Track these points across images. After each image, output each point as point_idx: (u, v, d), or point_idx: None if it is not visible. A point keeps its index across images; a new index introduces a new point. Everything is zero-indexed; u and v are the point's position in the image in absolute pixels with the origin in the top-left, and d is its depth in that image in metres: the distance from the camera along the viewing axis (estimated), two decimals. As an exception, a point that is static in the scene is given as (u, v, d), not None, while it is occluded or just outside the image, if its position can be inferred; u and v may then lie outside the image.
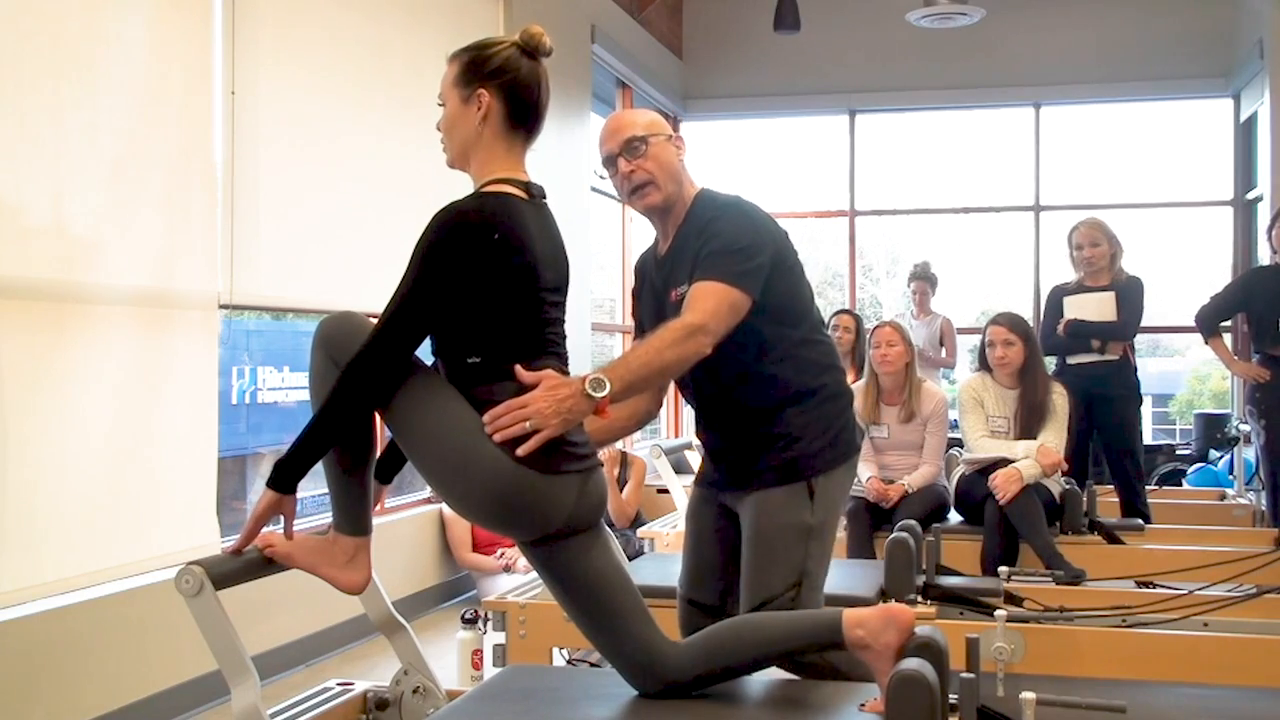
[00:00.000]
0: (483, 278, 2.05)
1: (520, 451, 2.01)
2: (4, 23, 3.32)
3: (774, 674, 2.34)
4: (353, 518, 2.16)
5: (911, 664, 1.86)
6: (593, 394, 2.07)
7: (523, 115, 2.19)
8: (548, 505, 2.07)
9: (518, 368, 2.07)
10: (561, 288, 2.21)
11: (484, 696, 2.28)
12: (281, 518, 2.10)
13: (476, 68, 2.18)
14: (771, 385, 2.51)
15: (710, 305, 2.33)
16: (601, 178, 2.62)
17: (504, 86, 2.17)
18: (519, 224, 2.09)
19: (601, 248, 8.17)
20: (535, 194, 2.19)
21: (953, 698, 1.98)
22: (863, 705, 2.06)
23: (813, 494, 2.49)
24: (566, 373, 2.18)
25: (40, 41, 3.43)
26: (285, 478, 2.06)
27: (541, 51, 2.21)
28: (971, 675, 1.91)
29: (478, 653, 3.72)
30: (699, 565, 2.68)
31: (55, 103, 3.47)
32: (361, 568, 2.16)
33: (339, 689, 2.52)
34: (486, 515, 2.11)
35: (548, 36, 2.22)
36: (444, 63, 2.24)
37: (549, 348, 2.16)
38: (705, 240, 2.43)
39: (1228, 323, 6.30)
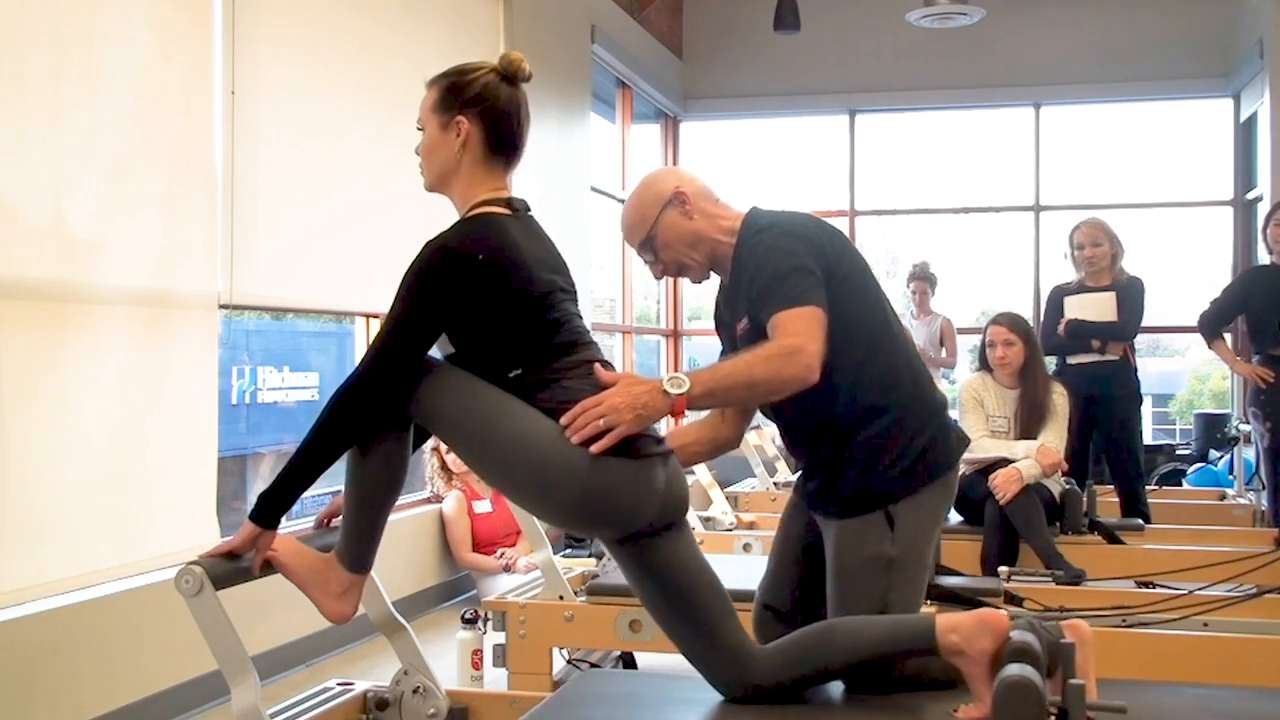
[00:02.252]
0: (481, 299, 2.06)
1: (595, 448, 2.00)
2: (4, 23, 3.32)
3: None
4: (358, 554, 2.16)
5: (1016, 670, 1.81)
6: (669, 391, 2.05)
7: (502, 142, 2.19)
8: (638, 490, 2.06)
9: (597, 368, 2.09)
10: (568, 287, 2.21)
11: (563, 704, 2.23)
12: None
13: (455, 94, 2.18)
14: (838, 407, 2.37)
15: (799, 326, 2.22)
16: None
17: (483, 114, 2.17)
18: (504, 239, 2.09)
19: (601, 248, 8.16)
20: (518, 208, 2.19)
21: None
22: (955, 710, 2.02)
23: (892, 522, 2.34)
24: (605, 359, 2.19)
25: (40, 41, 3.43)
26: (268, 512, 2.07)
27: (521, 77, 2.21)
28: (1081, 682, 1.85)
29: (478, 653, 3.72)
30: (779, 571, 2.60)
31: (55, 103, 3.47)
32: (350, 603, 2.17)
33: (339, 689, 2.52)
34: (579, 516, 2.09)
35: (527, 63, 2.22)
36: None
37: (580, 338, 2.16)
38: (755, 272, 2.35)
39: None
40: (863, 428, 2.37)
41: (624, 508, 2.06)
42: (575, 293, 2.24)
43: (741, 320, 2.42)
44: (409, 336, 2.06)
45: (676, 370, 2.16)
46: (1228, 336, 6.49)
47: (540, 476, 2.03)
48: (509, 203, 2.18)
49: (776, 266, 2.31)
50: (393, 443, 2.13)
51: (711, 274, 2.55)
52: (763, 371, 2.17)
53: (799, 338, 2.20)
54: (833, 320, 2.30)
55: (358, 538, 2.16)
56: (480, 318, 2.07)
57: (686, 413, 2.10)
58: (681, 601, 2.15)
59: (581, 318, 2.23)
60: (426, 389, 2.08)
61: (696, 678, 2.24)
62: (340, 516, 2.25)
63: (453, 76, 2.21)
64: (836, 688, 2.21)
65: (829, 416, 2.38)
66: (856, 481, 2.37)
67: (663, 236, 2.45)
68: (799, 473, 2.60)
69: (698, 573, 2.17)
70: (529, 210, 2.23)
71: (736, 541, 4.61)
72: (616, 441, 2.00)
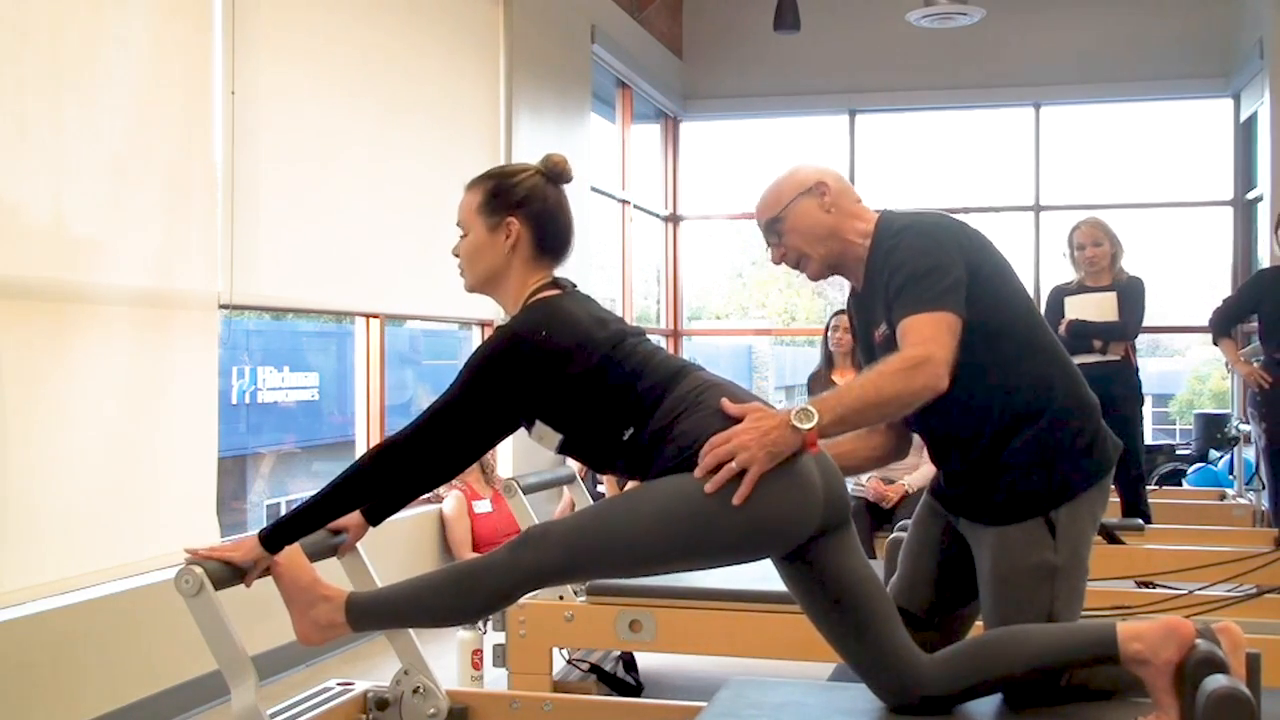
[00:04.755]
0: (556, 380, 2.08)
1: (735, 501, 1.94)
2: (4, 23, 3.32)
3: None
4: (370, 623, 2.18)
5: (1224, 681, 1.78)
6: (799, 426, 1.99)
7: (551, 242, 2.22)
8: (799, 496, 2.01)
9: (724, 402, 2.04)
10: (634, 331, 2.20)
11: (724, 714, 2.19)
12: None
13: (502, 196, 2.20)
14: (992, 410, 2.27)
15: (926, 333, 2.14)
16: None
17: (532, 215, 2.19)
18: (563, 316, 2.12)
19: (601, 248, 8.16)
20: (565, 286, 2.22)
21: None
22: None
23: (1054, 529, 2.23)
24: (711, 376, 2.16)
25: (40, 41, 3.43)
26: (276, 540, 2.10)
27: (565, 179, 2.24)
28: None
29: (478, 653, 3.72)
30: (913, 574, 2.47)
31: (55, 103, 3.47)
32: (325, 638, 2.18)
33: (339, 689, 2.52)
34: (752, 546, 2.04)
35: (570, 164, 2.25)
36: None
37: (665, 371, 2.13)
38: (890, 274, 2.26)
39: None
40: (1018, 431, 2.27)
41: (792, 518, 2.01)
42: (643, 332, 2.23)
43: (879, 327, 2.33)
44: (460, 414, 2.08)
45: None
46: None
47: (701, 534, 1.98)
48: (556, 282, 2.21)
49: (914, 266, 2.23)
50: (494, 608, 2.19)
51: (832, 274, 2.45)
52: (890, 388, 2.09)
53: (924, 346, 2.13)
54: (980, 321, 2.22)
55: (380, 618, 2.19)
56: (564, 396, 2.09)
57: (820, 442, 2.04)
58: (851, 612, 2.11)
59: (662, 349, 2.21)
60: (553, 559, 2.03)
61: (855, 685, 2.20)
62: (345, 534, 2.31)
63: (496, 179, 2.23)
64: (996, 699, 2.14)
65: (981, 421, 2.28)
66: (1013, 487, 2.26)
67: (791, 221, 2.37)
68: (942, 474, 2.46)
69: (866, 581, 2.12)
70: (575, 286, 2.26)
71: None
72: (754, 484, 1.94)
